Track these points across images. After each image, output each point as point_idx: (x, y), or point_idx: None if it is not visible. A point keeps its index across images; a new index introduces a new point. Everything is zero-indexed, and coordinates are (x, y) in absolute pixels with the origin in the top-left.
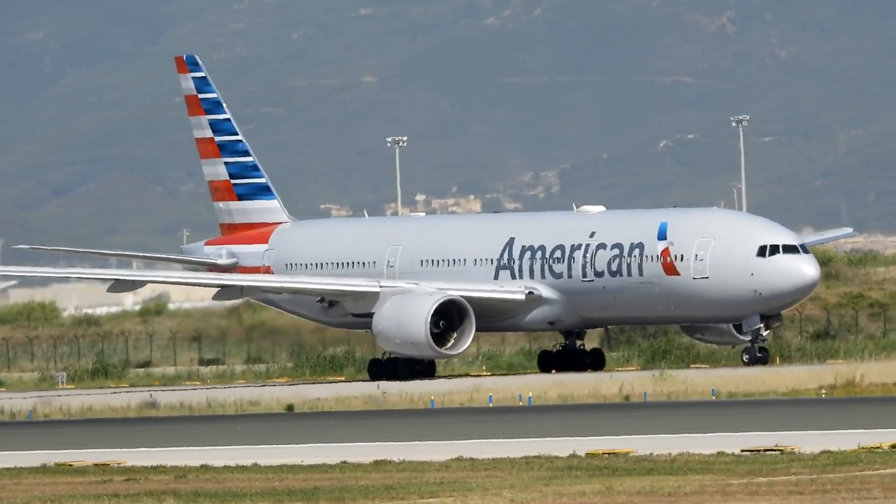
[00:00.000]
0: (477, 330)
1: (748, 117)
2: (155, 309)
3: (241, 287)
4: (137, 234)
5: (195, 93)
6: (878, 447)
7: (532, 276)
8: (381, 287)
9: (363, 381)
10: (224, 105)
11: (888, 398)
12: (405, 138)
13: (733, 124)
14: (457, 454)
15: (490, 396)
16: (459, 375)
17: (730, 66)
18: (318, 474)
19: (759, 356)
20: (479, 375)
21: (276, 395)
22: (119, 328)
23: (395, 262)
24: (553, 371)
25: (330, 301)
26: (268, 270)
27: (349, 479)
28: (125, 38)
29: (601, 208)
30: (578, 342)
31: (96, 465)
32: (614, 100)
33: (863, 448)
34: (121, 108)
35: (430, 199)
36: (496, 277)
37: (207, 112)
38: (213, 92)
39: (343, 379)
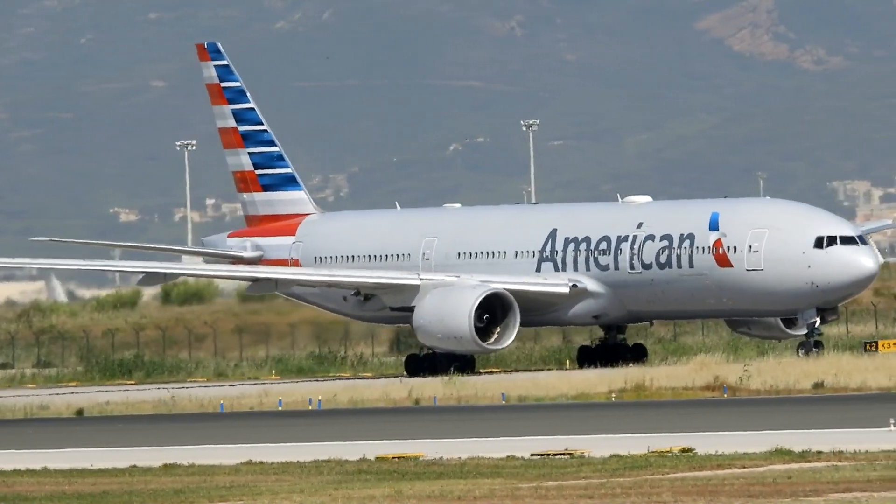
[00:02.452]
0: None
1: (538, 121)
2: None
3: (276, 280)
4: None
5: (217, 81)
6: (667, 451)
7: (576, 268)
8: (421, 280)
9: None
10: (248, 94)
11: (677, 402)
12: (194, 142)
13: (523, 128)
14: (246, 458)
15: (280, 400)
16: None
17: (519, 70)
18: (107, 478)
19: (815, 350)
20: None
21: (67, 399)
22: None
23: (430, 255)
24: (593, 366)
25: (366, 295)
26: (296, 263)
27: (138, 482)
28: None
29: (647, 198)
30: (620, 336)
31: None
32: (404, 104)
33: (652, 452)
34: None
35: (219, 203)
36: (538, 270)
37: (230, 101)
38: (236, 80)
39: (133, 382)
